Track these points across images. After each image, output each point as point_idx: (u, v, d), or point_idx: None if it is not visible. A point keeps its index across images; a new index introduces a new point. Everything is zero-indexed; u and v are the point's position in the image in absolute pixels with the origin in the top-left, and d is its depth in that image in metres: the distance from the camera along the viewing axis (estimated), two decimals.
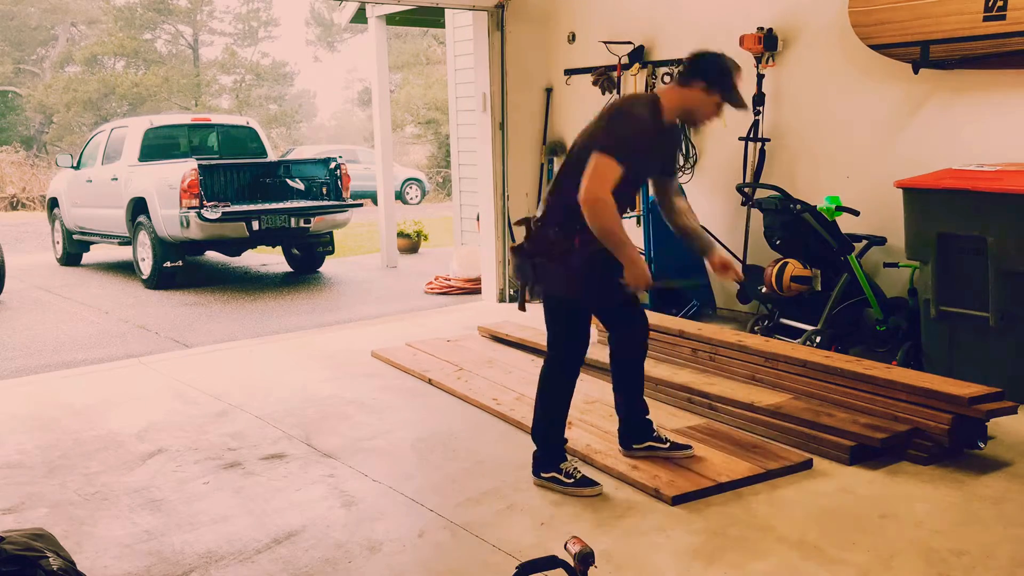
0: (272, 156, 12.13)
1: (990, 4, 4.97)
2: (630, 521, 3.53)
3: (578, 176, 3.49)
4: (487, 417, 4.89)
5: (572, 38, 8.04)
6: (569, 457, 3.91)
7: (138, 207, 10.25)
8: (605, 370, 5.43)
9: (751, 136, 6.50)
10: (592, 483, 3.79)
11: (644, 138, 3.58)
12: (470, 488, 3.93)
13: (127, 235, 10.59)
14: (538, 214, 3.77)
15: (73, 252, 12.32)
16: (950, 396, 3.99)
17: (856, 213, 5.65)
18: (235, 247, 10.65)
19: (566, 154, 3.82)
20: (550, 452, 3.85)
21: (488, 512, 3.67)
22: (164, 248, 9.91)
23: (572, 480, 3.77)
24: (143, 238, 10.18)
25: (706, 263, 3.91)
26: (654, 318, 5.78)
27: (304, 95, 42.55)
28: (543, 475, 3.84)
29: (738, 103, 3.66)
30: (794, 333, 5.80)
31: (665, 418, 4.60)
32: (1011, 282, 4.66)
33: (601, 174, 3.44)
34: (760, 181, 6.39)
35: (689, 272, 6.53)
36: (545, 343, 5.93)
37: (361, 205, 13.00)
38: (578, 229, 3.53)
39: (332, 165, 10.90)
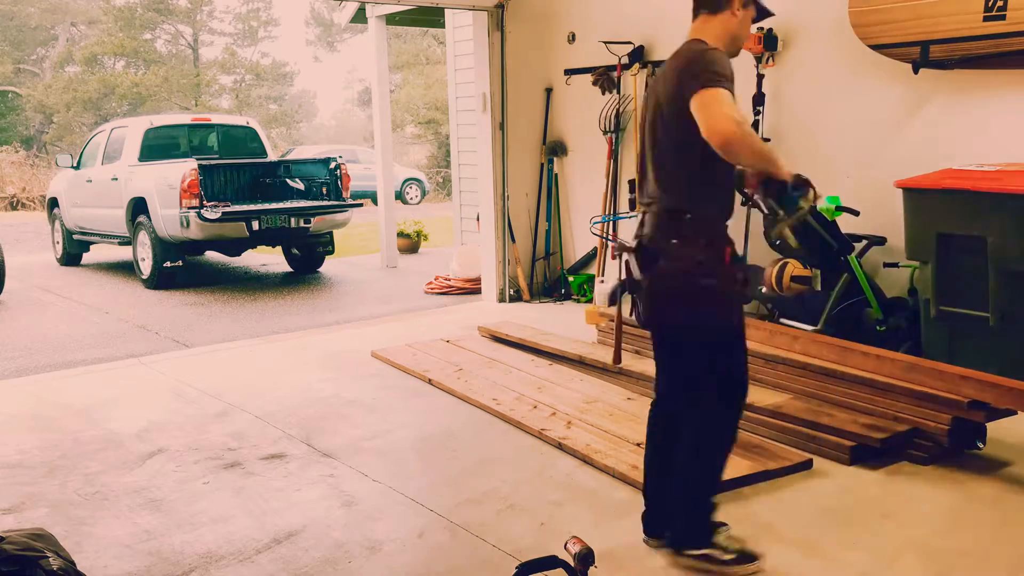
0: (272, 156, 12.13)
1: (990, 4, 4.96)
2: (630, 521, 3.53)
3: (680, 145, 2.94)
4: (487, 417, 4.89)
5: (572, 38, 8.04)
6: (721, 529, 3.16)
7: (138, 207, 10.25)
8: (605, 370, 5.44)
9: None
10: (754, 557, 3.10)
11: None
12: (470, 488, 3.93)
13: (127, 235, 10.59)
14: (646, 228, 3.10)
15: (73, 252, 12.32)
16: (949, 400, 4.00)
17: (856, 213, 5.65)
18: (235, 247, 10.64)
19: (650, 134, 3.10)
20: (703, 523, 3.13)
21: (488, 512, 3.67)
22: (164, 248, 9.91)
23: (732, 556, 3.07)
24: (143, 238, 10.18)
25: None
26: None
27: (304, 95, 42.55)
28: (692, 552, 3.10)
29: (766, 9, 3.21)
30: None
31: None
32: (1011, 282, 4.66)
33: (720, 100, 2.79)
34: None
35: None
36: (549, 344, 5.97)
37: (361, 205, 12.99)
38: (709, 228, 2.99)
39: (332, 165, 10.90)
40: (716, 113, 2.77)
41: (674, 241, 3.01)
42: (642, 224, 3.16)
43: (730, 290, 3.04)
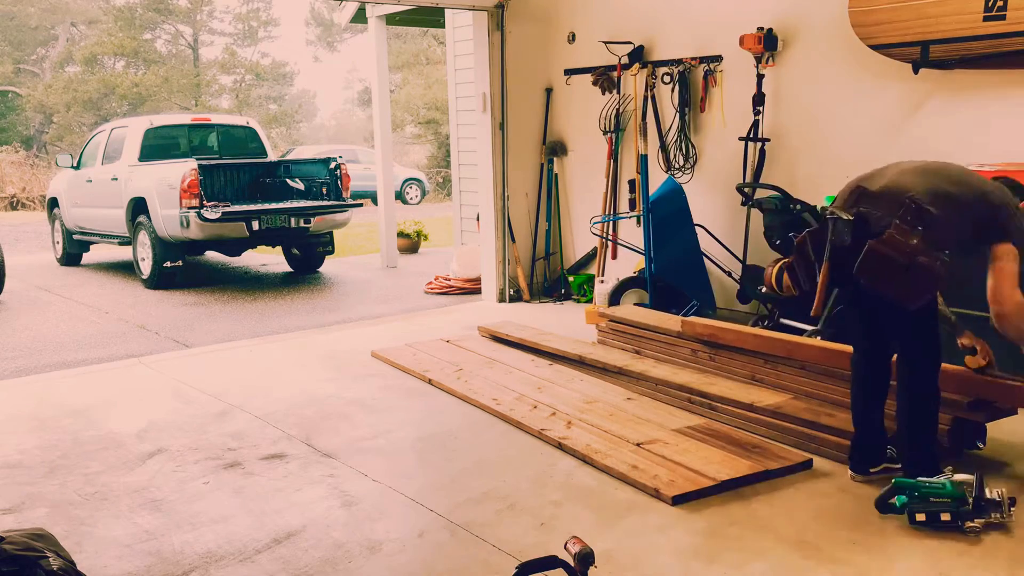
0: (272, 156, 12.12)
1: (990, 4, 4.97)
2: (630, 521, 3.53)
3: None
4: (487, 417, 4.89)
5: (572, 38, 8.04)
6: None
7: (138, 207, 10.25)
8: (605, 370, 5.44)
9: (751, 136, 6.50)
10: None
11: None
12: (470, 488, 3.93)
13: (127, 235, 10.59)
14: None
15: (73, 252, 12.32)
16: (949, 400, 3.99)
17: None
18: (235, 247, 10.65)
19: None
20: (933, 456, 3.69)
21: (488, 512, 3.67)
22: (164, 248, 9.91)
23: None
24: (143, 238, 10.18)
25: None
26: (653, 318, 5.79)
27: (304, 95, 42.54)
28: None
29: None
30: (794, 333, 5.79)
31: (665, 418, 4.60)
32: None
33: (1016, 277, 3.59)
34: (760, 181, 6.39)
35: (688, 272, 6.53)
36: (549, 344, 5.97)
37: (361, 205, 12.99)
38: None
39: (332, 165, 10.90)
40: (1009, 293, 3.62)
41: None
42: None
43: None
